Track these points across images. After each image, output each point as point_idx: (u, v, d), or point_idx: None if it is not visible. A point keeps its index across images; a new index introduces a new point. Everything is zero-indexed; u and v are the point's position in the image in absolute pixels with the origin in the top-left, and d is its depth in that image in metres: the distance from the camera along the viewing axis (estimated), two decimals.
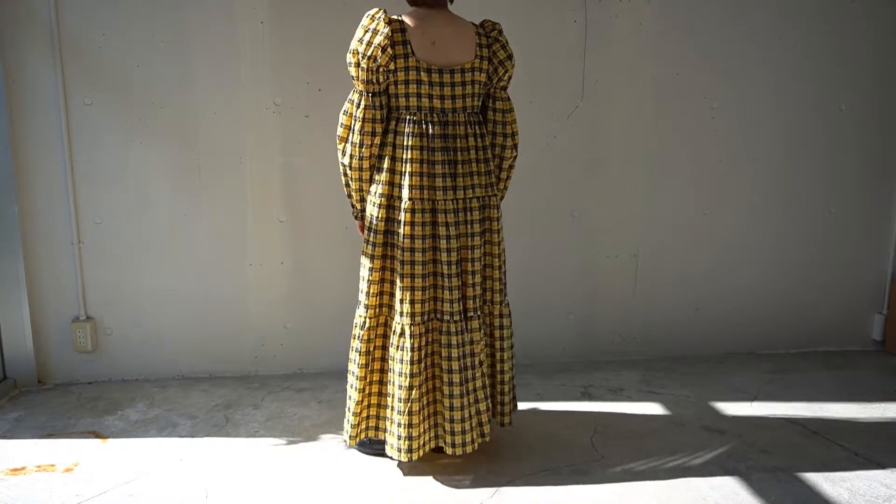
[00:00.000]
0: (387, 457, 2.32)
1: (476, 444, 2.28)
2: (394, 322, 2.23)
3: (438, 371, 2.25)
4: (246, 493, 2.22)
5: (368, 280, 2.24)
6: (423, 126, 2.15)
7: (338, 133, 2.24)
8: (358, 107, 2.17)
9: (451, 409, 2.22)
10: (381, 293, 2.26)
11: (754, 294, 3.47)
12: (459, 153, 2.19)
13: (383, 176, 2.19)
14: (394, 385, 2.22)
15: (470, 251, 2.23)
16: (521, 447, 2.51)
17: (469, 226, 2.22)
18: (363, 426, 2.33)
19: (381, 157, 2.20)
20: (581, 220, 3.29)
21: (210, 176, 3.01)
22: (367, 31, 2.10)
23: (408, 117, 2.16)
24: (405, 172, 2.17)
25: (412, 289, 2.18)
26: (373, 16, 2.12)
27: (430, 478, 2.30)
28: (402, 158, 2.17)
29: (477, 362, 2.26)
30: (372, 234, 2.22)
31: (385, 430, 2.30)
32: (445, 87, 2.15)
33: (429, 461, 2.39)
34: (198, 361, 3.14)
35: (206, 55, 2.92)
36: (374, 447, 2.41)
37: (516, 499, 2.19)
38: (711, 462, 2.41)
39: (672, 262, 3.39)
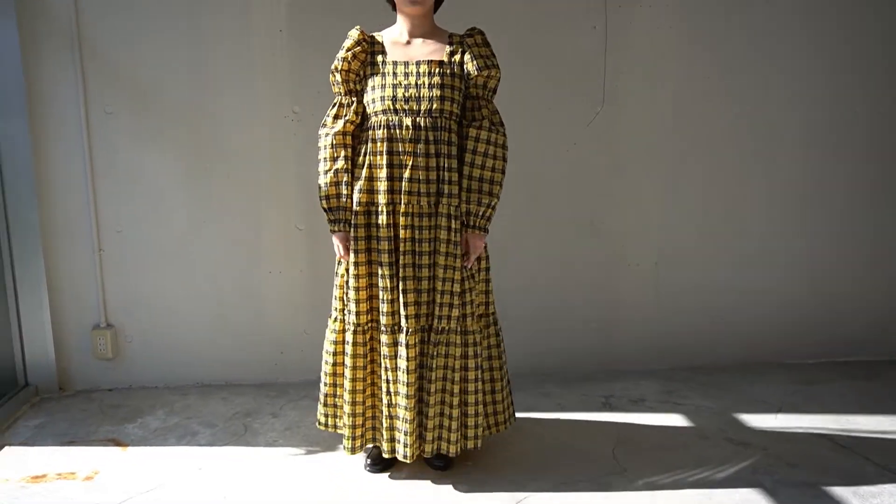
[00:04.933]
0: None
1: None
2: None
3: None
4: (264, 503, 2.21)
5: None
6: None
7: None
8: None
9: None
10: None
11: (778, 302, 3.41)
12: None
13: None
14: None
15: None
16: (542, 458, 2.48)
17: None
18: None
19: None
20: (601, 227, 3.25)
21: (229, 184, 3.02)
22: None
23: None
24: None
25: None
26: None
27: (450, 487, 2.28)
28: None
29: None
30: None
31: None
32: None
33: (450, 473, 2.37)
34: (217, 369, 3.14)
35: (224, 63, 2.93)
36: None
37: None
38: (736, 476, 2.37)
39: (694, 269, 3.34)
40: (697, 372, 3.32)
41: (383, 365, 2.25)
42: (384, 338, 2.24)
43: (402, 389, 2.22)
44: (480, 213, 2.24)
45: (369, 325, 2.28)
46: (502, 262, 3.16)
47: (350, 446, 2.31)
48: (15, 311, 2.95)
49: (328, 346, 2.35)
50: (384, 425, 2.28)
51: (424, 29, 2.23)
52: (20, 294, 2.95)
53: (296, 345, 3.15)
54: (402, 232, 2.17)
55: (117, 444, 2.60)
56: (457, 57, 2.20)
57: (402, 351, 2.21)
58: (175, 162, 2.98)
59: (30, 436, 2.66)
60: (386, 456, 2.32)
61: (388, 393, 2.25)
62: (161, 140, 2.96)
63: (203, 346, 3.12)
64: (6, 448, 2.56)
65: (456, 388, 2.26)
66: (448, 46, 2.22)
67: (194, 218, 3.03)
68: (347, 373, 2.28)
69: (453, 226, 2.20)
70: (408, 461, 2.26)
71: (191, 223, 3.03)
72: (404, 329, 2.21)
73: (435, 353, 2.23)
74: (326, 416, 2.40)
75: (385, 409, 2.27)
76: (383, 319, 2.23)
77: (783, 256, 3.38)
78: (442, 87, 2.15)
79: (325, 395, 2.38)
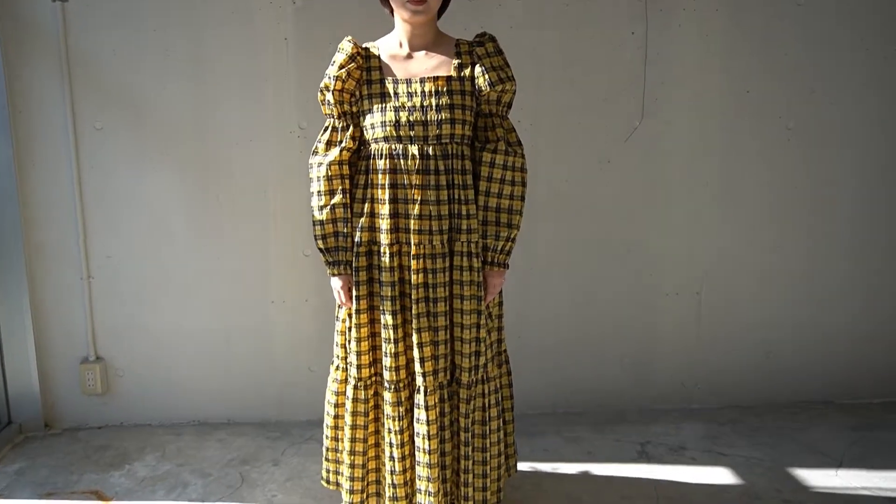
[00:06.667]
0: None
1: None
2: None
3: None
4: None
5: None
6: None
7: None
8: None
9: None
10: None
11: (834, 336, 3.07)
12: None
13: None
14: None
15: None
16: None
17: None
18: None
19: None
20: (637, 252, 2.95)
21: (230, 206, 2.76)
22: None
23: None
24: None
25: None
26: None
27: None
28: None
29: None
30: None
31: None
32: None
33: None
34: (216, 406, 2.89)
35: (225, 74, 2.68)
36: None
37: None
38: None
39: (740, 300, 3.02)
40: (745, 413, 2.99)
41: (387, 426, 1.98)
42: (388, 395, 1.96)
43: (424, 458, 1.93)
44: (499, 248, 1.96)
45: (372, 378, 2.01)
46: (526, 290, 2.89)
47: None
48: None
49: (330, 397, 2.10)
50: (387, 494, 2.00)
51: (427, 38, 1.93)
52: (3, 324, 2.72)
53: (300, 382, 2.89)
54: (413, 277, 1.89)
55: (100, 497, 2.35)
56: (466, 70, 1.91)
57: (420, 414, 1.92)
58: (171, 182, 2.74)
59: (6, 485, 2.42)
60: None
61: (393, 458, 1.97)
62: (156, 158, 2.71)
63: (200, 381, 2.87)
64: None
65: (483, 443, 2.01)
66: (455, 58, 1.92)
67: (192, 242, 2.78)
68: (347, 431, 2.02)
69: (475, 265, 1.93)
70: None
71: (188, 248, 2.78)
72: (422, 389, 1.92)
73: (466, 412, 1.96)
74: (328, 471, 2.14)
75: (389, 477, 1.99)
76: (387, 375, 1.95)
77: (842, 286, 3.05)
78: (451, 107, 1.86)
79: (327, 450, 2.12)
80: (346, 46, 1.93)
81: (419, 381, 1.92)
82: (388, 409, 1.97)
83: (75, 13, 2.59)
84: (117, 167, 2.70)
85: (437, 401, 1.94)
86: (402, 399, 1.96)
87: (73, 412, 2.85)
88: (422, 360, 1.91)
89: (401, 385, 1.96)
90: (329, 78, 1.93)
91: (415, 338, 1.91)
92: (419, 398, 1.93)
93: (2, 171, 2.63)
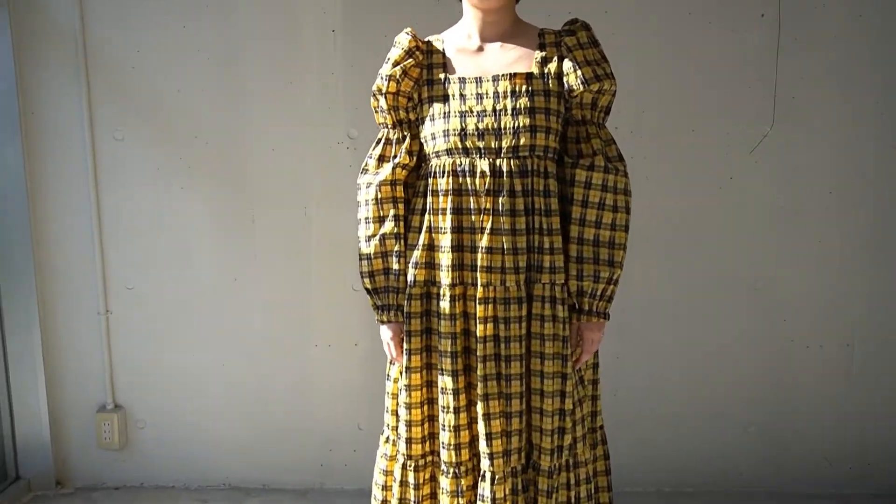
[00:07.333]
0: None
1: None
2: None
3: None
4: None
5: None
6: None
7: None
8: None
9: None
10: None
11: None
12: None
13: None
14: None
15: None
16: None
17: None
18: None
19: None
20: (768, 293, 2.39)
21: (267, 230, 2.39)
22: None
23: None
24: None
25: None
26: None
27: None
28: None
29: None
30: None
31: None
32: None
33: None
34: (248, 467, 2.49)
35: (262, 75, 2.33)
36: None
37: None
38: None
39: None
40: None
41: None
42: (446, 482, 1.57)
43: None
44: (598, 293, 1.53)
45: (427, 458, 1.60)
46: (622, 340, 2.38)
47: None
48: (5, 388, 2.42)
49: (377, 476, 1.69)
50: None
51: (502, 28, 1.57)
52: (12, 365, 2.42)
53: (347, 442, 2.46)
54: (480, 328, 1.49)
55: None
56: (552, 66, 1.53)
57: None
58: (200, 202, 2.39)
59: None
60: None
61: None
62: (183, 174, 2.38)
63: (231, 436, 2.48)
64: None
65: None
66: (538, 51, 1.55)
67: (224, 273, 2.42)
68: None
69: (560, 314, 1.49)
70: None
71: (219, 280, 2.42)
72: (488, 476, 1.51)
73: None
74: None
75: None
76: (444, 455, 1.56)
77: None
78: (532, 112, 1.48)
79: None
80: (402, 40, 1.60)
81: (485, 464, 1.53)
82: (444, 501, 1.56)
83: (95, 6, 2.30)
84: (140, 184, 2.39)
85: (507, 492, 1.53)
86: (464, 488, 1.56)
87: (88, 468, 2.50)
88: (489, 437, 1.50)
89: (462, 469, 1.55)
90: (382, 79, 1.60)
91: (480, 407, 1.52)
92: (484, 488, 1.53)
93: (12, 186, 2.36)
